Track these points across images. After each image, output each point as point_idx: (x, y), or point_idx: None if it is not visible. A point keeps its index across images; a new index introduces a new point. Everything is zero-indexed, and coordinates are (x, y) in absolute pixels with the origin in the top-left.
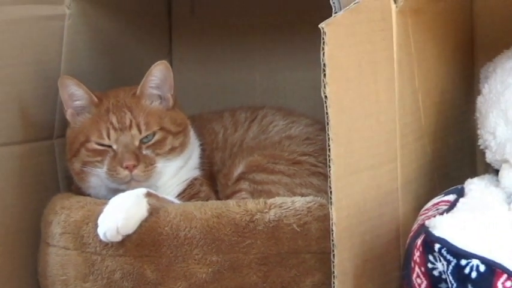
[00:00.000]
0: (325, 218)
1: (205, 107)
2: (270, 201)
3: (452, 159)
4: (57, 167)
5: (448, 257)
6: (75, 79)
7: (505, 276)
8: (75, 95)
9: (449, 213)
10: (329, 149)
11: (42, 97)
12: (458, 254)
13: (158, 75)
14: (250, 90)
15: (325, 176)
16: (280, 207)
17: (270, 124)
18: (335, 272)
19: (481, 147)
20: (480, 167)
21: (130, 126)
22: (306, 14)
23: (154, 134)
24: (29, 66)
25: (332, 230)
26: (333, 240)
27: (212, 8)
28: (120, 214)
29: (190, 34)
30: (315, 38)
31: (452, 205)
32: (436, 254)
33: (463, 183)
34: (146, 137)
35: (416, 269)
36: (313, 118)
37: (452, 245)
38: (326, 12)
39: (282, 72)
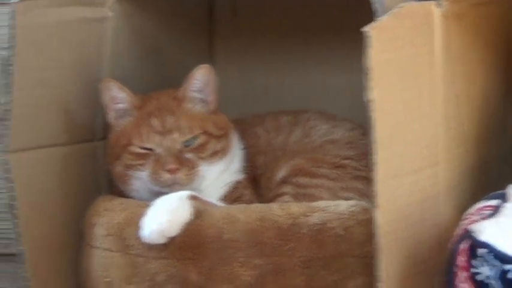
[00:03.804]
0: (368, 222)
1: (246, 110)
2: (314, 204)
3: (494, 165)
4: (99, 169)
5: (494, 262)
6: (117, 82)
7: None
8: (117, 98)
9: (494, 218)
10: (372, 153)
11: (85, 99)
12: (504, 259)
13: (200, 79)
14: (292, 93)
15: (368, 180)
16: (323, 210)
17: (313, 128)
18: (379, 276)
19: None
20: None
21: (173, 129)
22: (347, 17)
23: (196, 137)
24: (71, 68)
25: (376, 234)
26: (376, 245)
27: (254, 11)
28: (163, 216)
29: (232, 37)
30: (354, 42)
31: (496, 210)
32: (481, 259)
33: (504, 188)
34: (188, 140)
35: (460, 274)
36: (355, 122)
37: (497, 250)
38: (368, 16)
39: (321, 75)
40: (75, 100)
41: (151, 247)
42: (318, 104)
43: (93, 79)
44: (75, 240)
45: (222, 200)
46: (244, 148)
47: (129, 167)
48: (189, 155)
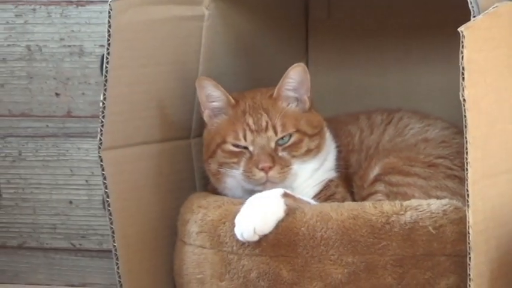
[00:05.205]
0: (461, 221)
1: (340, 109)
2: (406, 203)
3: None
4: (193, 166)
5: None
6: (212, 80)
7: None
8: (212, 96)
9: None
10: (466, 152)
11: (180, 97)
12: None
13: (295, 78)
14: (385, 93)
15: (461, 179)
16: (416, 209)
17: (406, 127)
18: (471, 275)
19: None
20: None
21: (267, 128)
22: (442, 17)
23: (290, 136)
24: (167, 66)
25: (468, 233)
26: (469, 243)
27: (348, 11)
28: (257, 214)
29: (327, 36)
30: (451, 41)
31: None
32: None
33: None
34: (282, 138)
35: None
36: (448, 121)
37: None
38: (463, 15)
39: (417, 75)
40: (171, 98)
41: (244, 244)
42: (414, 104)
43: (189, 77)
44: (168, 237)
45: (315, 198)
46: (338, 146)
47: (222, 164)
48: (282, 153)
